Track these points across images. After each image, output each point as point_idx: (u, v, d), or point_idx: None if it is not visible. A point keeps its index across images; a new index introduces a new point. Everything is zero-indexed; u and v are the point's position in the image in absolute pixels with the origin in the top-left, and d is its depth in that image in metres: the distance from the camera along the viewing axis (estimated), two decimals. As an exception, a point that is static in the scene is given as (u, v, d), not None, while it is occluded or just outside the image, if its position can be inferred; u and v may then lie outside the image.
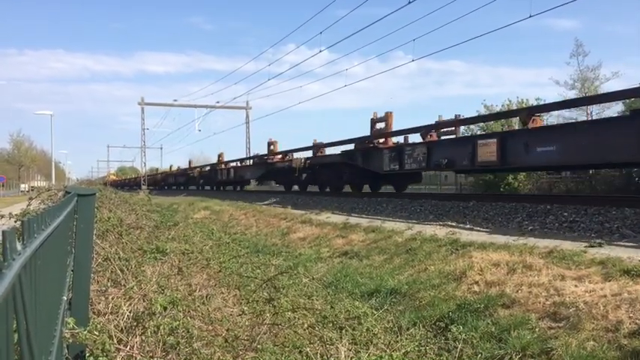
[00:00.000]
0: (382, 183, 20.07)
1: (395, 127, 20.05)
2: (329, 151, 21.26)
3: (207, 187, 41.10)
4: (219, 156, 37.90)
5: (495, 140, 11.50)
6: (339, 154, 19.46)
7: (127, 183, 75.72)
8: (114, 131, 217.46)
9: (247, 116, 52.30)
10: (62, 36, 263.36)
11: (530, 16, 12.26)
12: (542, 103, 25.17)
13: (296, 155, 23.22)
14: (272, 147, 26.61)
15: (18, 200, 31.12)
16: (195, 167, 45.26)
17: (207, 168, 40.42)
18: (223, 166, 35.82)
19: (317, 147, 21.54)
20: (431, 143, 14.16)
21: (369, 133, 17.66)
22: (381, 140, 16.87)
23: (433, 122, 15.48)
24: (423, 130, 14.74)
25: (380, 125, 17.20)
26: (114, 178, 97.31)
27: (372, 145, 16.98)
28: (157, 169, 69.14)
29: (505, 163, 11.38)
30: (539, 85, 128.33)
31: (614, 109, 28.30)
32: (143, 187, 49.74)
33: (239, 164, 32.84)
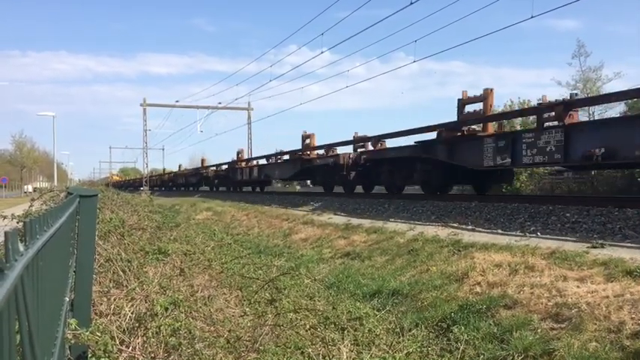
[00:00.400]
0: (454, 182, 16.27)
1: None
2: (389, 143, 17.40)
3: (223, 189, 37.35)
4: (239, 153, 33.79)
5: None
6: (410, 146, 15.67)
7: (131, 184, 75.33)
8: (116, 132, 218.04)
9: (249, 117, 52.38)
10: (65, 37, 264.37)
11: (532, 17, 12.22)
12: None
13: (339, 150, 19.64)
14: (308, 141, 22.26)
15: (20, 202, 31.17)
16: (210, 166, 40.79)
17: (224, 167, 36.07)
18: (244, 164, 31.43)
19: (375, 139, 17.36)
20: (571, 127, 10.25)
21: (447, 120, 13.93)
22: (471, 127, 13.31)
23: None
24: (560, 109, 10.49)
25: (473, 108, 13.21)
26: (117, 178, 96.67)
27: (460, 134, 13.28)
28: (164, 169, 66.79)
29: None
30: (540, 86, 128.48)
31: (617, 109, 28.24)
32: (144, 187, 49.77)
33: (265, 162, 28.15)
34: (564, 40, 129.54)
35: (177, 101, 51.36)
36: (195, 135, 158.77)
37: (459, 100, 13.40)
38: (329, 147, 20.41)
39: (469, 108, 13.31)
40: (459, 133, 13.33)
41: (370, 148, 18.08)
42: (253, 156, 33.08)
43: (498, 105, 31.61)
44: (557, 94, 35.32)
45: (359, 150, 18.36)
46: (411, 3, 15.28)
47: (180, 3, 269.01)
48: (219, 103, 49.19)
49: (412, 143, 15.68)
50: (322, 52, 23.22)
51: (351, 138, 18.80)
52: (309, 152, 22.18)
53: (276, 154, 26.62)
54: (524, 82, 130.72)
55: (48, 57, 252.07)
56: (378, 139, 17.29)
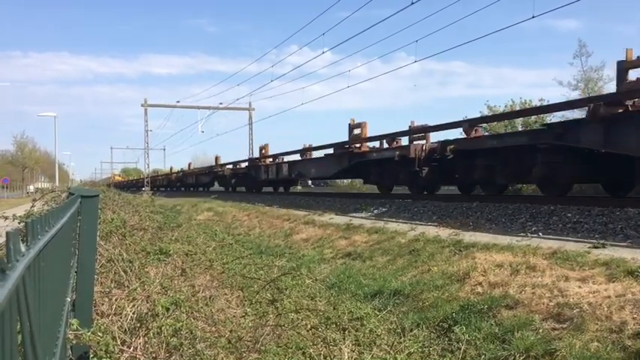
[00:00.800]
0: (587, 179, 12.87)
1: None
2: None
3: (241, 189, 33.22)
4: (263, 148, 28.68)
5: None
6: (531, 130, 12.45)
7: (133, 184, 74.84)
8: (117, 133, 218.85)
9: (250, 117, 52.39)
10: (66, 38, 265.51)
11: (533, 17, 12.20)
12: (545, 104, 25.02)
13: (403, 141, 16.16)
14: (358, 131, 18.24)
15: (22, 202, 31.15)
16: (226, 164, 35.58)
17: (244, 164, 31.53)
18: (270, 160, 26.64)
19: (469, 124, 13.34)
20: None
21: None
22: (637, 101, 9.77)
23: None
24: None
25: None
26: (119, 179, 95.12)
27: (624, 110, 9.73)
28: (171, 168, 65.23)
29: None
30: (541, 86, 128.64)
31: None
32: (146, 188, 49.77)
33: (296, 158, 23.89)
34: (565, 40, 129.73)
35: (178, 102, 51.45)
36: (196, 135, 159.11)
37: (619, 62, 9.91)
38: (392, 138, 16.49)
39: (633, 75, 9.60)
40: (620, 110, 9.76)
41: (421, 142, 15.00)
42: (272, 153, 27.89)
43: (499, 105, 31.51)
44: (559, 94, 35.15)
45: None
46: (412, 3, 15.28)
47: (182, 4, 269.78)
48: (221, 103, 49.25)
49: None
50: (323, 52, 23.12)
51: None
52: (359, 145, 18.17)
53: (313, 148, 22.39)
54: (525, 82, 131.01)
55: (50, 58, 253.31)
56: (473, 124, 13.11)
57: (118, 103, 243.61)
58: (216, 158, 39.29)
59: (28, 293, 1.21)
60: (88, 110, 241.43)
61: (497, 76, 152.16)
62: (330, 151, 20.30)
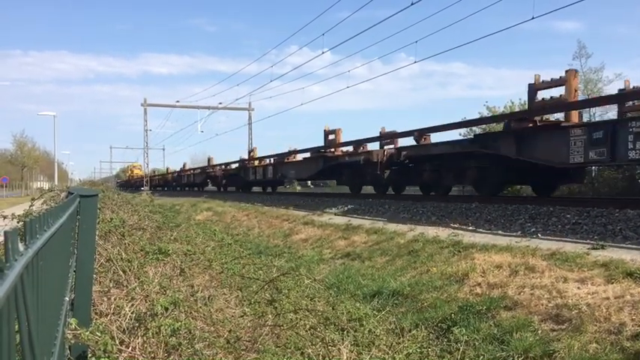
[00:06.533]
0: (513, 182, 15.10)
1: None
2: (434, 138, 15.35)
3: (232, 189, 35.27)
4: (251, 152, 31.45)
5: None
6: (464, 140, 14.57)
7: (132, 184, 73.52)
8: (117, 132, 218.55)
9: (250, 117, 52.50)
10: (66, 37, 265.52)
11: (533, 18, 12.23)
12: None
13: (370, 147, 17.88)
14: (332, 137, 20.14)
15: (21, 201, 31.12)
16: (217, 165, 37.68)
17: (234, 166, 33.60)
18: (257, 162, 28.97)
19: (419, 132, 15.04)
20: None
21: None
22: (545, 117, 11.68)
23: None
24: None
25: (549, 94, 11.26)
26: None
27: (532, 125, 11.46)
28: (167, 169, 62.02)
29: None
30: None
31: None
32: (145, 187, 49.74)
33: (280, 160, 25.42)
34: (566, 41, 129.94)
35: (177, 101, 51.54)
36: (195, 135, 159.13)
37: (530, 85, 11.42)
38: (358, 143, 18.38)
39: (542, 95, 11.35)
40: (530, 124, 11.47)
41: (394, 145, 16.47)
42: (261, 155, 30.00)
43: (498, 106, 31.56)
44: (558, 95, 35.14)
45: (394, 146, 16.47)
46: (412, 4, 15.28)
47: (182, 4, 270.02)
48: (220, 103, 49.31)
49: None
50: (323, 53, 23.13)
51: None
52: (333, 149, 20.10)
53: (294, 152, 24.31)
54: (525, 84, 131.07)
55: (49, 57, 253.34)
56: (422, 133, 14.98)
57: (118, 103, 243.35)
58: (209, 159, 40.34)
59: (27, 292, 1.20)
60: (87, 109, 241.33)
61: (497, 77, 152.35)
62: (309, 154, 22.32)
